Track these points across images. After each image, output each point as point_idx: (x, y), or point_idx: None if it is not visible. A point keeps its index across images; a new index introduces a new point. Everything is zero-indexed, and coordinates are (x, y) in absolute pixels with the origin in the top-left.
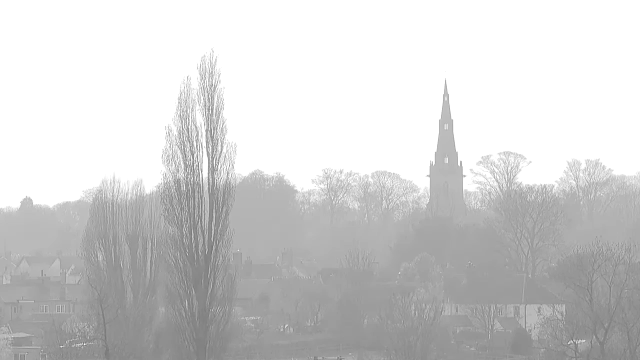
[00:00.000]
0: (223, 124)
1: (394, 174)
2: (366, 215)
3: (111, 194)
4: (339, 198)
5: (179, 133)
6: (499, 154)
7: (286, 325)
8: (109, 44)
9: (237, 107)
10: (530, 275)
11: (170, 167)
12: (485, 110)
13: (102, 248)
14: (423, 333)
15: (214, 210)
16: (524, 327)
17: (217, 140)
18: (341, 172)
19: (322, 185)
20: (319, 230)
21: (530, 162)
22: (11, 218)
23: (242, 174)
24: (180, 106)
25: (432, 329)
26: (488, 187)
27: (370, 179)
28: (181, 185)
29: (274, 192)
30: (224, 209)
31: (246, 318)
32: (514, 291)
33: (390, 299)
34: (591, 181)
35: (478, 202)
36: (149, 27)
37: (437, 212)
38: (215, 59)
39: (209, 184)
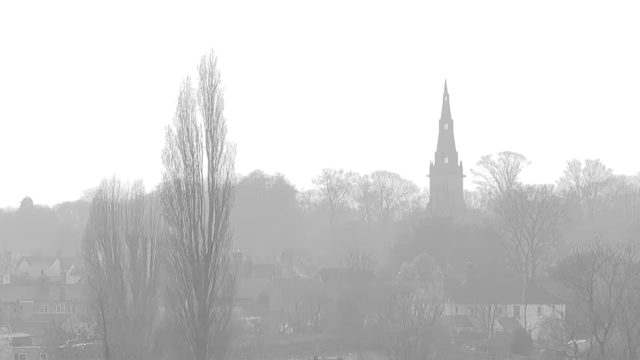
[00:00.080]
0: (223, 124)
1: (394, 174)
2: (366, 215)
3: (111, 194)
4: (339, 198)
5: (179, 133)
6: (499, 154)
7: (286, 325)
8: (109, 44)
9: (237, 107)
10: (530, 275)
11: (170, 167)
12: (485, 110)
13: (102, 248)
14: (423, 333)
15: (214, 210)
16: (524, 327)
17: (217, 140)
18: (341, 172)
19: (322, 185)
20: (319, 230)
21: (530, 162)
22: (11, 218)
23: (242, 174)
24: (180, 106)
25: (432, 329)
26: (488, 187)
27: (370, 179)
28: (181, 185)
29: (274, 192)
30: (224, 209)
31: (246, 318)
32: (514, 291)
33: (390, 299)
34: (591, 181)
35: (478, 202)
36: (149, 27)
37: (437, 212)
38: (215, 59)
39: (209, 184)
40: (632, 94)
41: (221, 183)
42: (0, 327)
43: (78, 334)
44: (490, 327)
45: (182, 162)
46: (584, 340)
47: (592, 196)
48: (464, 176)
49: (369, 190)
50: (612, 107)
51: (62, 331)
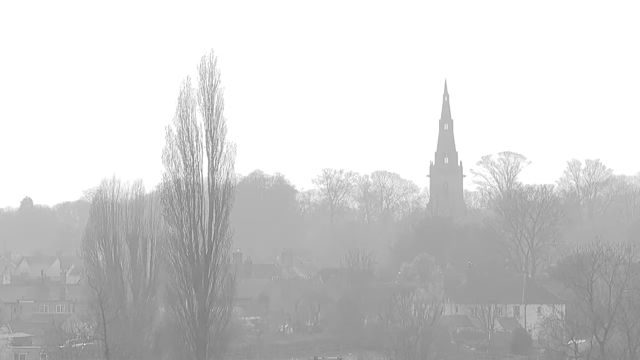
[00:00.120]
0: (223, 124)
1: (394, 174)
2: (366, 215)
3: (111, 194)
4: (339, 198)
5: (179, 133)
6: (499, 154)
7: (286, 325)
8: (109, 44)
9: (237, 107)
10: (530, 275)
11: (170, 167)
12: (485, 110)
13: (102, 248)
14: (423, 333)
15: (214, 210)
16: (524, 327)
17: (217, 140)
18: (341, 172)
19: (322, 185)
20: (319, 230)
21: (530, 162)
22: (11, 218)
23: (242, 174)
24: (180, 106)
25: (432, 329)
26: (488, 187)
27: (370, 179)
28: (181, 185)
29: (274, 192)
30: (224, 209)
31: (246, 318)
32: (514, 291)
33: (390, 299)
34: (591, 181)
35: (478, 202)
36: (149, 27)
37: (437, 212)
38: (215, 59)
39: (209, 184)
40: (632, 94)
41: (221, 183)
42: (0, 327)
43: (78, 334)
44: (490, 327)
45: (182, 162)
46: (584, 340)
47: (592, 196)
48: (464, 176)
49: (369, 190)
50: (612, 107)
51: (62, 331)
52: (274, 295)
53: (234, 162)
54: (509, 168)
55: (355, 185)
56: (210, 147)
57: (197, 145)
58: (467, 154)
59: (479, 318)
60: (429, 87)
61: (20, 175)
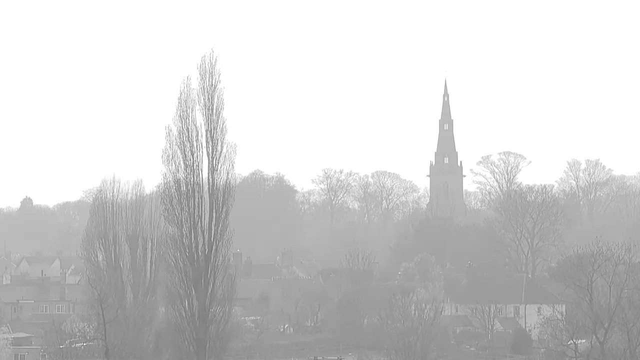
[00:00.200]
0: (223, 124)
1: (394, 174)
2: (366, 215)
3: (111, 194)
4: (339, 198)
5: (179, 133)
6: (499, 154)
7: (286, 325)
8: (109, 44)
9: (237, 107)
10: (530, 275)
11: (170, 167)
12: (485, 110)
13: (102, 248)
14: (423, 333)
15: (214, 210)
16: (524, 327)
17: (217, 140)
18: (341, 172)
19: (322, 185)
20: (319, 230)
21: (530, 162)
22: (11, 218)
23: (242, 174)
24: (180, 106)
25: (432, 329)
26: (488, 187)
27: (370, 179)
28: (181, 185)
29: (274, 192)
30: (224, 209)
31: (246, 318)
32: (514, 291)
33: (390, 299)
34: (591, 181)
35: (478, 202)
36: (149, 27)
37: (437, 212)
38: (215, 59)
39: (209, 184)
40: (632, 94)
41: (221, 183)
42: (0, 327)
43: (78, 334)
44: (490, 327)
45: (182, 162)
46: (584, 340)
47: (592, 196)
48: (464, 176)
49: (369, 190)
50: (612, 107)
51: (62, 331)
52: (274, 295)
53: (234, 162)
54: (509, 168)
55: (355, 185)
56: (210, 147)
57: (197, 145)
58: (467, 154)
59: (479, 318)
60: (429, 87)
61: (20, 175)
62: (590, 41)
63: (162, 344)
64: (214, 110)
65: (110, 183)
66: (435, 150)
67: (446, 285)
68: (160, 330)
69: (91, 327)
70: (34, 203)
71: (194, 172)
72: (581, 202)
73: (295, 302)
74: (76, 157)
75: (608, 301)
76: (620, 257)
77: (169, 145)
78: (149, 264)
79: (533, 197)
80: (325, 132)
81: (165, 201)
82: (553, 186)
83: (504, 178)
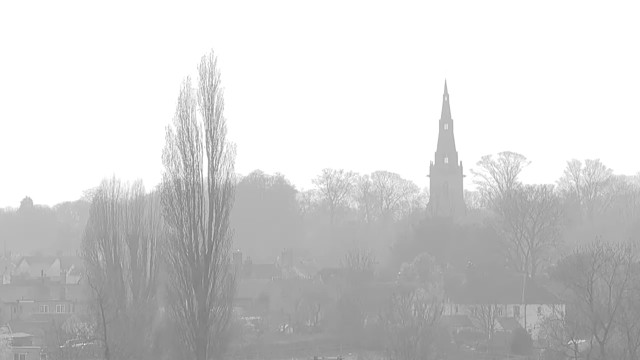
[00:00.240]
0: (223, 124)
1: (394, 174)
2: (366, 215)
3: (111, 194)
4: (339, 198)
5: (179, 133)
6: (499, 154)
7: (286, 325)
8: (109, 44)
9: (237, 107)
10: (530, 275)
11: (170, 167)
12: (485, 110)
13: (102, 248)
14: (423, 333)
15: (214, 210)
16: (524, 327)
17: (217, 140)
18: (341, 172)
19: (322, 185)
20: (319, 230)
21: (530, 162)
22: (11, 218)
23: (242, 174)
24: (180, 106)
25: (432, 329)
26: (488, 187)
27: (370, 179)
28: (181, 185)
29: (274, 192)
30: (224, 209)
31: (246, 318)
32: (514, 291)
33: (390, 299)
34: (591, 181)
35: (478, 202)
36: (149, 27)
37: (437, 212)
38: (215, 59)
39: (209, 184)
40: (632, 94)
41: (221, 183)
42: (0, 327)
43: (78, 334)
44: (490, 327)
45: (182, 162)
46: (584, 340)
47: (592, 196)
48: (464, 176)
49: (369, 190)
50: (612, 107)
51: (62, 331)
52: (274, 295)
53: (234, 162)
54: (509, 168)
55: (355, 185)
56: (210, 147)
57: (197, 145)
58: (467, 154)
59: (479, 318)
60: (429, 87)
61: (20, 175)
62: (590, 41)
63: (162, 344)
64: (214, 110)
65: (110, 183)
66: (435, 150)
67: (446, 285)
68: (160, 330)
69: (91, 327)
70: (34, 203)
71: (194, 172)
72: (581, 202)
73: (295, 302)
74: (76, 157)
75: (608, 301)
76: (620, 257)
77: (169, 145)
78: (149, 264)
79: (533, 197)
80: (325, 132)
81: (165, 201)
82: (553, 186)
83: (504, 178)
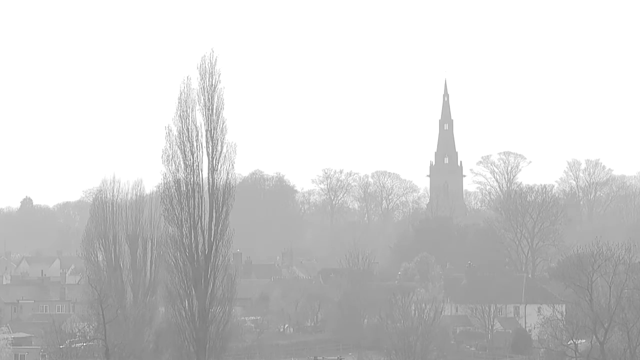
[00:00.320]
0: (223, 124)
1: (394, 174)
2: (366, 215)
3: (111, 194)
4: (339, 198)
5: (179, 133)
6: (499, 154)
7: (286, 325)
8: (109, 44)
9: (237, 107)
10: (530, 275)
11: (170, 167)
12: (485, 110)
13: (102, 248)
14: (423, 333)
15: (214, 210)
16: (524, 327)
17: (217, 140)
18: (341, 172)
19: (322, 185)
20: (319, 230)
21: (530, 162)
22: (11, 218)
23: (242, 174)
24: (180, 106)
25: (432, 329)
26: (488, 187)
27: (370, 179)
28: (181, 185)
29: (274, 192)
30: (224, 209)
31: (246, 318)
32: (514, 291)
33: (390, 299)
34: (591, 181)
35: (478, 202)
36: (149, 27)
37: (437, 212)
38: (215, 59)
39: (209, 184)
40: (632, 94)
41: (221, 183)
42: (0, 327)
43: (78, 334)
44: (490, 327)
45: (182, 162)
46: (584, 340)
47: (592, 196)
48: (464, 176)
49: (369, 190)
50: (612, 107)
51: (62, 331)
52: (274, 295)
53: (234, 162)
54: (509, 168)
55: (355, 185)
56: (210, 147)
57: (197, 145)
58: (467, 154)
59: (479, 318)
60: (429, 87)
61: (20, 175)
62: (590, 41)
63: (162, 344)
64: (214, 110)
65: (110, 183)
66: (435, 150)
67: (446, 285)
68: (160, 330)
69: (91, 327)
70: (34, 203)
71: (194, 172)
72: (581, 202)
73: (295, 302)
74: (76, 157)
75: (608, 301)
76: (620, 257)
77: (169, 145)
78: (149, 264)
79: (533, 197)
80: (325, 132)
81: (165, 201)
82: (553, 186)
83: (504, 178)
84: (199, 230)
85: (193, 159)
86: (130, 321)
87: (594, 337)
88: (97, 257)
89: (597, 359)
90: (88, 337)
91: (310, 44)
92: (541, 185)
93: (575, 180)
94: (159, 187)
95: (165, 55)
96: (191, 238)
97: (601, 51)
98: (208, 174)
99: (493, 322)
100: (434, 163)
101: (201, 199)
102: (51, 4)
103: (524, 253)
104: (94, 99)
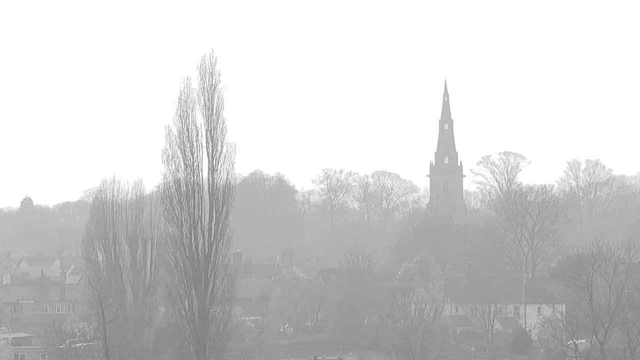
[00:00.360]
0: (223, 124)
1: (394, 174)
2: (366, 215)
3: (111, 194)
4: (339, 198)
5: (179, 133)
6: (499, 154)
7: (286, 325)
8: (109, 44)
9: (237, 107)
10: (530, 275)
11: (170, 167)
12: (485, 110)
13: (102, 248)
14: (423, 333)
15: (214, 210)
16: (524, 327)
17: (217, 140)
18: (341, 172)
19: (322, 185)
20: (319, 230)
21: (530, 162)
22: (11, 218)
23: (242, 174)
24: (180, 106)
25: (432, 329)
26: (488, 187)
27: (370, 179)
28: (181, 185)
29: (274, 192)
30: (224, 209)
31: (246, 318)
32: (514, 291)
33: (390, 299)
34: (591, 181)
35: (478, 202)
36: (149, 27)
37: (437, 212)
38: (215, 59)
39: (209, 184)
40: (632, 94)
41: (221, 183)
42: (0, 327)
43: (78, 334)
44: (490, 327)
45: (182, 162)
46: (584, 340)
47: (592, 196)
48: (464, 176)
49: (369, 190)
50: (612, 107)
51: (62, 331)
52: (274, 295)
53: (234, 162)
54: (509, 168)
55: (355, 185)
56: (210, 147)
57: (197, 145)
58: (467, 154)
59: (479, 318)
60: (429, 87)
61: (20, 175)
62: (590, 41)
63: (162, 344)
64: (214, 110)
65: (110, 183)
66: (435, 150)
67: (446, 285)
68: (160, 330)
69: (91, 327)
70: (34, 203)
71: (194, 172)
72: (581, 202)
73: (295, 302)
74: (76, 157)
75: (608, 301)
76: (620, 257)
77: (169, 145)
78: (149, 264)
79: (533, 197)
80: (325, 132)
81: (165, 201)
82: (553, 186)
83: (504, 178)
84: (199, 230)
85: (193, 159)
86: (130, 321)
87: (594, 337)
88: (97, 257)
89: (597, 359)
90: (88, 337)
91: (310, 44)
92: (541, 185)
93: (575, 180)
94: (159, 187)
95: (165, 55)
96: (191, 238)
97: (601, 51)
98: (208, 174)
99: (493, 322)
100: (434, 163)
101: (201, 199)
102: (51, 4)
103: (524, 253)
104: (94, 99)
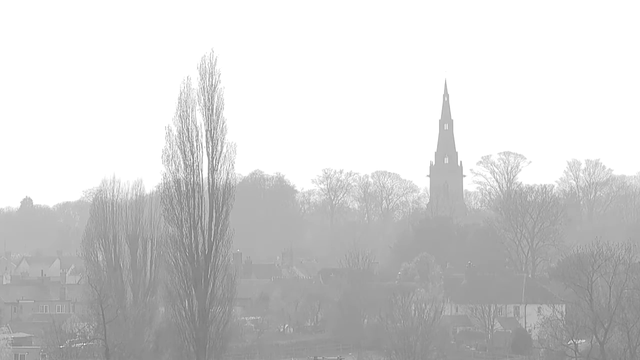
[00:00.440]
0: (223, 124)
1: (394, 174)
2: (366, 215)
3: (111, 194)
4: (339, 198)
5: (179, 133)
6: (499, 154)
7: (286, 325)
8: (109, 44)
9: (237, 107)
10: (530, 275)
11: (170, 167)
12: (485, 110)
13: (102, 248)
14: (423, 333)
15: (214, 210)
16: (524, 327)
17: (217, 140)
18: (341, 172)
19: (322, 185)
20: (319, 230)
21: (530, 162)
22: (11, 218)
23: (242, 174)
24: (180, 106)
25: (432, 329)
26: (488, 187)
27: (370, 179)
28: (181, 185)
29: (274, 192)
30: (224, 209)
31: (246, 318)
32: (514, 291)
33: (390, 299)
34: (591, 181)
35: (478, 202)
36: (149, 27)
37: (437, 212)
38: (215, 59)
39: (209, 184)
40: (632, 94)
41: (221, 183)
42: (0, 327)
43: (78, 334)
44: (490, 327)
45: (182, 162)
46: (584, 340)
47: (592, 196)
48: (464, 176)
49: (369, 190)
50: (612, 107)
51: (62, 331)
52: (274, 295)
53: (234, 162)
54: (509, 168)
55: (355, 185)
56: (210, 147)
57: (197, 145)
58: (467, 154)
59: (479, 318)
60: (429, 87)
61: (20, 175)
62: (590, 41)
63: (162, 344)
64: (214, 110)
65: (110, 183)
66: (435, 150)
67: (446, 285)
68: (160, 330)
69: (91, 327)
70: (34, 203)
71: (194, 172)
72: (581, 202)
73: (295, 302)
74: (76, 157)
75: (608, 301)
76: (620, 257)
77: (169, 145)
78: (149, 264)
79: (533, 197)
80: (325, 132)
81: (165, 201)
82: (553, 186)
83: (504, 178)
84: (199, 230)
85: (193, 159)
86: (130, 321)
87: (594, 337)
88: (97, 257)
89: (597, 359)
90: (88, 337)
91: (310, 44)
92: (541, 185)
93: (575, 180)
94: (159, 187)
95: (165, 55)
96: (191, 238)
97: (601, 51)
98: (208, 174)
99: (493, 322)
100: (434, 163)
101: (201, 199)
102: (51, 4)
103: (524, 253)
104: (94, 99)
